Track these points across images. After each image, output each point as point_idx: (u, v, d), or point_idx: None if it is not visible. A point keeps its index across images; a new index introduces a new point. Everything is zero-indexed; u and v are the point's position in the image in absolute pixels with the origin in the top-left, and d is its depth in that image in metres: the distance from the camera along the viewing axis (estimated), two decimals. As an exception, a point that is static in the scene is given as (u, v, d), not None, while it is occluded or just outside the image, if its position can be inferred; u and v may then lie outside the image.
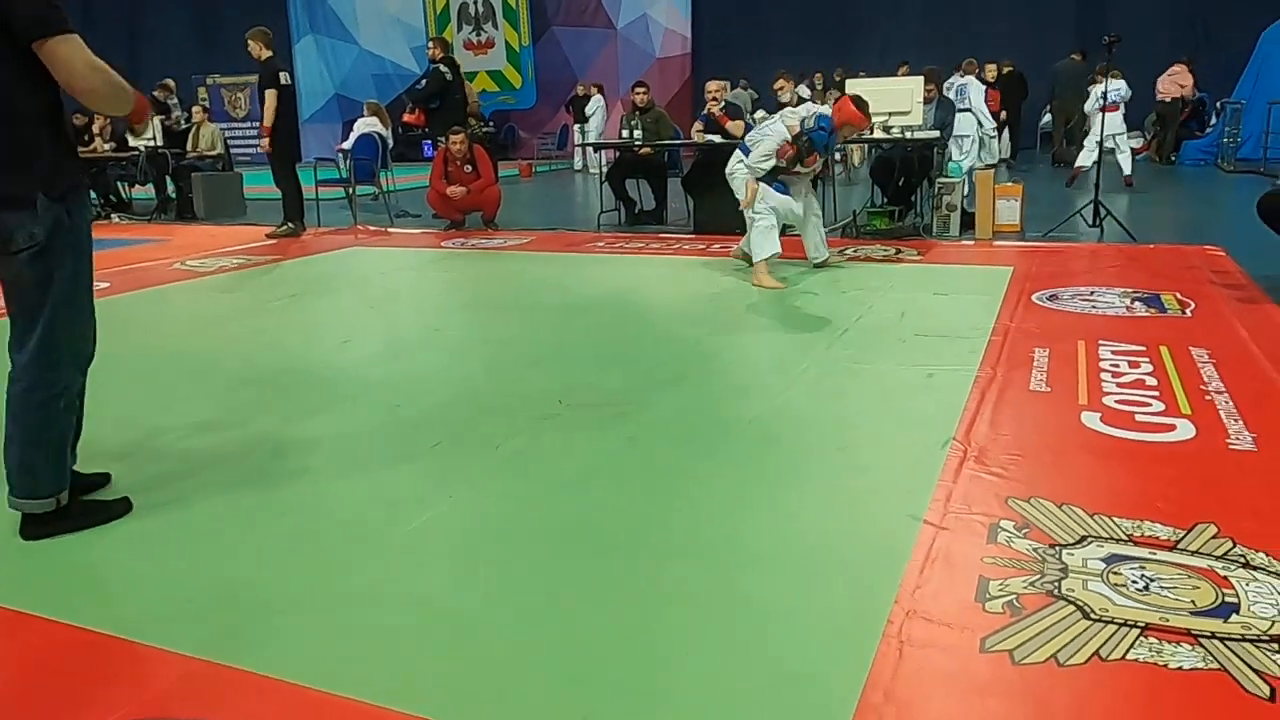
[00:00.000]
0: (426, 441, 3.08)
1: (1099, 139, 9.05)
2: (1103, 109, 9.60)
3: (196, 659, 1.87)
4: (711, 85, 8.39)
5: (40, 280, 2.33)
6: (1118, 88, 10.08)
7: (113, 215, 10.52)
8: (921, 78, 7.93)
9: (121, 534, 2.49)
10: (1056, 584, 2.02)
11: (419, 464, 2.93)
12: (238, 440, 2.96)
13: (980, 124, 9.45)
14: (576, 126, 16.30)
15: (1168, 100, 12.26)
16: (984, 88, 9.82)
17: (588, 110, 15.76)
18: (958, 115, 9.52)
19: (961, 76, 10.05)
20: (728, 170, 5.82)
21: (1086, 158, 10.03)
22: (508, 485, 2.76)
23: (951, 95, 9.77)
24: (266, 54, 7.95)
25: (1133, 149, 10.54)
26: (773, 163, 5.54)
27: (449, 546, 2.39)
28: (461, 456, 2.99)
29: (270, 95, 7.97)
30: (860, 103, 5.58)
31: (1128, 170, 10.10)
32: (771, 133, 5.62)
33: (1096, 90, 9.79)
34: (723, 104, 8.17)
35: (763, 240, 5.55)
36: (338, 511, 2.60)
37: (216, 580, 2.26)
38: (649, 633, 1.94)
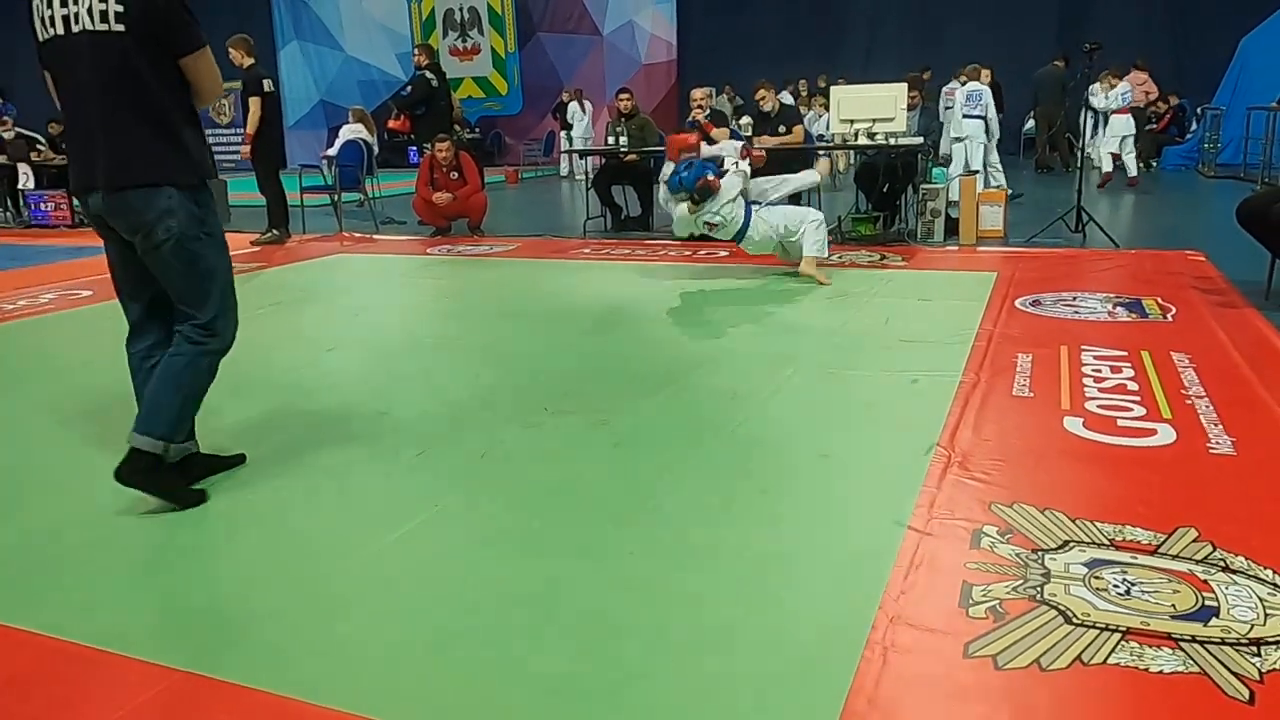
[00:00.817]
0: (411, 449, 3.08)
1: (1113, 141, 9.37)
2: (1116, 112, 9.86)
3: (178, 670, 1.86)
4: (697, 93, 8.43)
5: (188, 268, 2.56)
6: (1125, 91, 10.34)
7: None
8: (905, 84, 7.97)
9: (99, 545, 2.47)
10: (1039, 589, 2.04)
11: (403, 472, 2.92)
12: (219, 449, 2.94)
13: (988, 129, 9.54)
14: (563, 133, 16.31)
15: (1140, 107, 12.37)
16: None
17: (567, 117, 15.77)
18: (968, 121, 9.57)
19: (965, 83, 10.08)
20: (754, 231, 5.88)
21: (1108, 162, 10.46)
22: (492, 494, 2.76)
23: (961, 99, 9.83)
24: (248, 61, 7.92)
25: (1111, 154, 10.72)
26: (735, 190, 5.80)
27: (433, 555, 2.38)
28: (446, 465, 2.99)
29: (254, 103, 7.95)
30: (692, 128, 6.15)
31: (1133, 171, 10.47)
32: (728, 184, 5.80)
33: (1103, 95, 9.98)
34: (708, 112, 8.19)
35: (821, 240, 5.82)
36: (320, 520, 2.59)
37: (198, 591, 2.25)
38: (632, 640, 1.94)
